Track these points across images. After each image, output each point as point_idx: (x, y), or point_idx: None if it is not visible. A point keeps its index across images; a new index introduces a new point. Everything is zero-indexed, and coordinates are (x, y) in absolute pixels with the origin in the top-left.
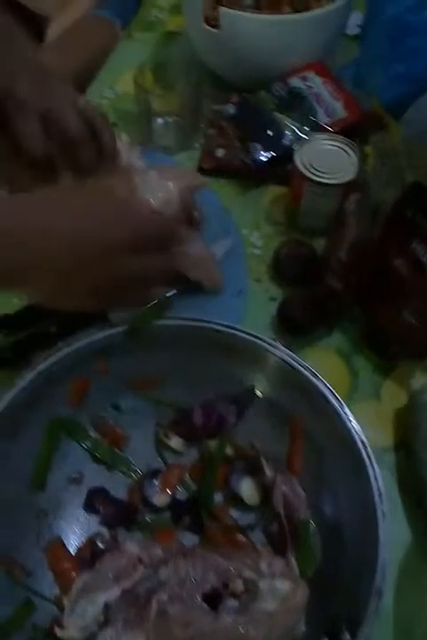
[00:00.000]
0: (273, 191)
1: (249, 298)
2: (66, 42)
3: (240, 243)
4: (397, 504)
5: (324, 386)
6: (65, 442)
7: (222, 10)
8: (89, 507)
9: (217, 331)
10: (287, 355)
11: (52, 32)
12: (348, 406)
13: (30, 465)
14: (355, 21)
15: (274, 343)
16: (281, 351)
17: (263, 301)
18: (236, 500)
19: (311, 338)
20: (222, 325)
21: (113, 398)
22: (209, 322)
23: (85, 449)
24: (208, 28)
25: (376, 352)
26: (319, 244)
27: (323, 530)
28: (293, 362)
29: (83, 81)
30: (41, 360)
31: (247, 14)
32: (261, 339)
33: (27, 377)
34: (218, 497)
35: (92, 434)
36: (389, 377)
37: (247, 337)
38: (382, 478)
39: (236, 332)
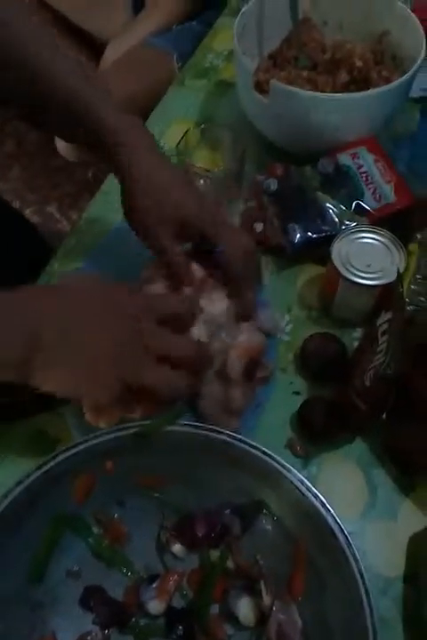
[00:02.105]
0: (309, 271)
1: (272, 388)
2: (120, 70)
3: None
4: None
5: (333, 520)
6: (66, 534)
7: (272, 82)
8: (84, 603)
9: (227, 443)
10: (299, 480)
11: (109, 56)
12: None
13: (30, 557)
14: (420, 84)
15: (286, 465)
16: (292, 475)
17: (287, 394)
18: (232, 615)
19: (331, 444)
20: (234, 438)
21: (118, 494)
22: (220, 432)
23: (86, 544)
24: (257, 95)
25: (397, 466)
26: (352, 337)
27: None
28: (303, 488)
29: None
30: (45, 461)
31: (298, 90)
32: (273, 458)
33: (30, 476)
34: (214, 609)
35: (95, 529)
36: (408, 497)
37: (259, 454)
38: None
39: (247, 448)
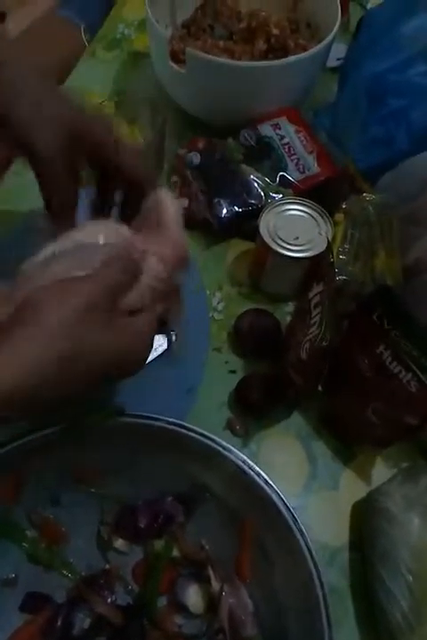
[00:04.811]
0: (238, 246)
1: (208, 368)
2: (26, 44)
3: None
4: (348, 609)
5: (277, 496)
6: None
7: (188, 51)
8: (25, 609)
9: (165, 429)
10: (240, 459)
11: (12, 29)
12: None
13: None
14: (336, 54)
15: (226, 446)
16: (233, 454)
17: (223, 374)
18: (181, 605)
19: (270, 419)
20: (171, 423)
21: (53, 492)
22: (157, 419)
23: (21, 549)
24: (173, 65)
25: (336, 436)
26: (284, 311)
27: None
28: (245, 467)
29: None
30: None
31: (216, 59)
32: (212, 439)
33: None
34: (162, 600)
35: (29, 532)
36: (348, 465)
37: (197, 437)
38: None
39: (185, 432)
